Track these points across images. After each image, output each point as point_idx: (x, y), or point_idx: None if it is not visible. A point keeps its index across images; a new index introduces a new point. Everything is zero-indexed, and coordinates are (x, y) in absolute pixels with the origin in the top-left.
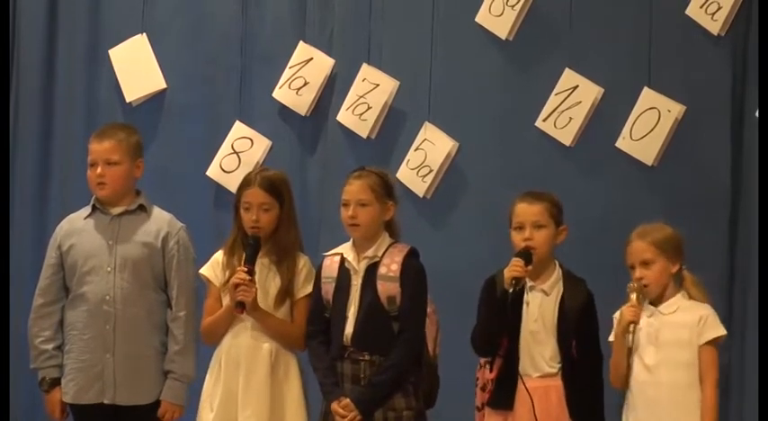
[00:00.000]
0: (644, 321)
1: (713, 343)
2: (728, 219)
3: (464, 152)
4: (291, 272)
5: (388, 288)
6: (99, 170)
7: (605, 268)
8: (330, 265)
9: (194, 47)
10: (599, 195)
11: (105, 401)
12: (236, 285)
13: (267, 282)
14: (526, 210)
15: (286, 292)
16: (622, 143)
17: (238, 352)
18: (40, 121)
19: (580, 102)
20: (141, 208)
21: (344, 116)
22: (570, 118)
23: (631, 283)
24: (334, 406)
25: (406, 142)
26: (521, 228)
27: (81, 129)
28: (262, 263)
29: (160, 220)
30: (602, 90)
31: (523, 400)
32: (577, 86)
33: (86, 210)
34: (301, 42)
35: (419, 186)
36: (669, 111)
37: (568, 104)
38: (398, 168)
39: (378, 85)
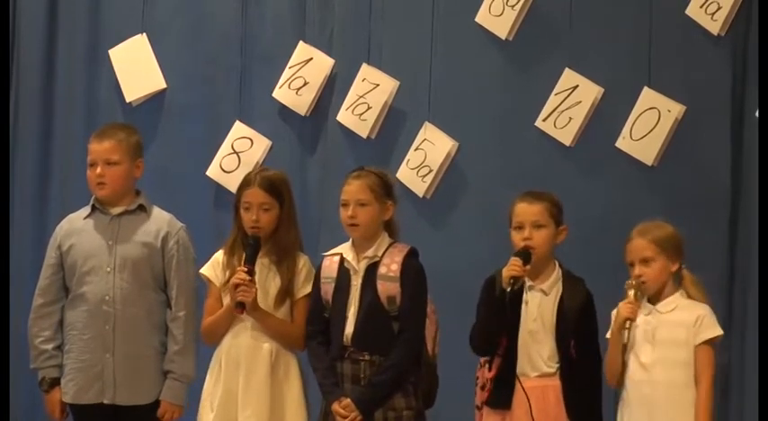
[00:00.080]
0: (641, 319)
1: (710, 343)
2: (728, 219)
3: (464, 152)
4: (291, 272)
5: (388, 288)
6: (99, 170)
7: (605, 268)
8: (329, 265)
9: (194, 47)
10: (599, 195)
11: (105, 401)
12: (236, 285)
13: (267, 281)
14: (526, 210)
15: (286, 292)
16: (622, 143)
17: (238, 352)
18: (40, 121)
19: (580, 102)
20: (141, 208)
21: (344, 116)
22: (570, 118)
23: (629, 280)
24: (335, 406)
25: (406, 142)
26: (520, 227)
27: (81, 129)
28: (262, 263)
29: (160, 220)
30: (602, 90)
31: (521, 400)
32: (577, 86)
33: (86, 210)
34: (301, 42)
35: (419, 186)
36: (669, 111)
37: (568, 104)
38: (398, 168)
39: (378, 84)
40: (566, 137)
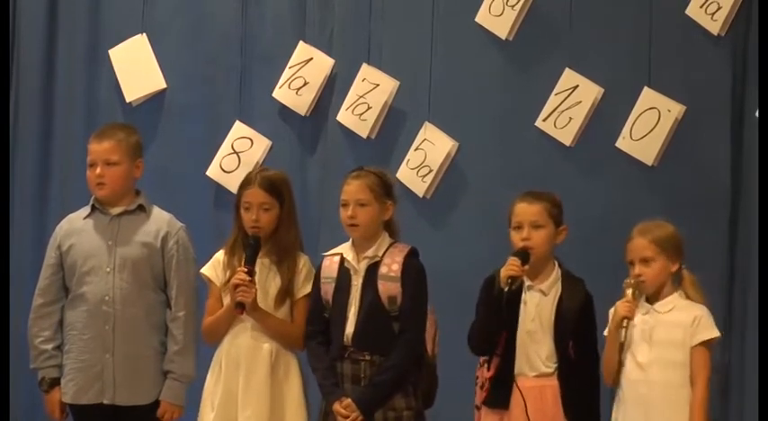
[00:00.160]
0: (639, 318)
1: (706, 344)
2: (728, 219)
3: (464, 152)
4: (291, 272)
5: (388, 288)
6: (98, 170)
7: (605, 268)
8: (330, 266)
9: (194, 47)
10: (599, 195)
11: (105, 401)
12: (236, 286)
13: (267, 281)
14: (525, 210)
15: (286, 292)
16: (622, 143)
17: (238, 352)
18: (40, 121)
19: (580, 102)
20: (141, 208)
21: (344, 116)
22: (570, 118)
23: (628, 279)
24: (336, 406)
25: (406, 142)
26: (519, 227)
27: (81, 129)
28: (262, 263)
29: (159, 220)
30: (602, 90)
31: (519, 400)
32: (577, 86)
33: (86, 210)
34: (301, 42)
35: (419, 186)
36: (669, 111)
37: (568, 104)
38: (398, 168)
39: (378, 84)
40: (566, 137)
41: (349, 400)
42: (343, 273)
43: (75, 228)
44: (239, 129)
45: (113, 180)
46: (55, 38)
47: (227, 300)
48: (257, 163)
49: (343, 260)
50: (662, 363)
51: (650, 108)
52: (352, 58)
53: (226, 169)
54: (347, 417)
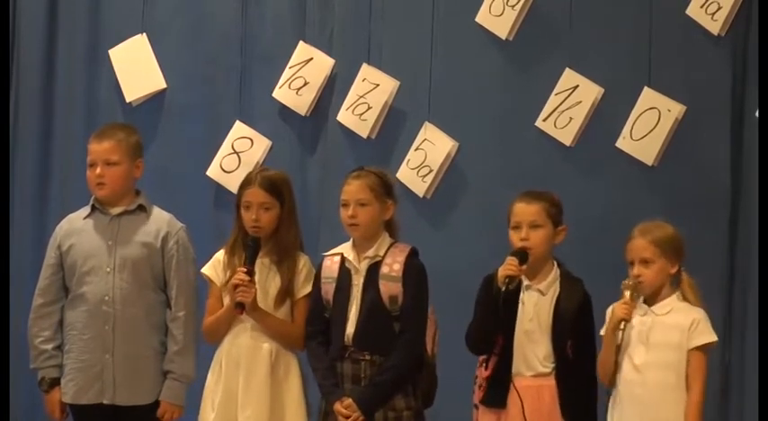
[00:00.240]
0: (637, 320)
1: (703, 348)
2: (728, 219)
3: (464, 152)
4: (291, 271)
5: (390, 288)
6: (98, 170)
7: (605, 268)
8: (330, 266)
9: (194, 47)
10: (599, 195)
11: (105, 401)
12: (236, 286)
13: (267, 281)
14: (523, 210)
15: (286, 292)
16: (622, 143)
17: (238, 352)
18: (40, 121)
19: (580, 102)
20: (141, 208)
21: (344, 116)
22: (570, 118)
23: (627, 281)
24: (337, 406)
25: (406, 142)
26: (518, 227)
27: (81, 129)
28: (262, 262)
29: (159, 220)
30: (602, 90)
31: (516, 399)
32: (577, 86)
33: (86, 210)
34: (301, 42)
35: (419, 186)
36: (669, 111)
37: (568, 104)
38: (398, 168)
39: (378, 85)
40: (566, 137)
41: (350, 400)
42: (344, 272)
43: (76, 228)
44: (239, 129)
45: (113, 180)
46: (55, 38)
47: (227, 300)
48: (257, 163)
49: (343, 260)
50: (658, 365)
51: (650, 108)
52: (352, 58)
53: (226, 169)
54: (348, 418)
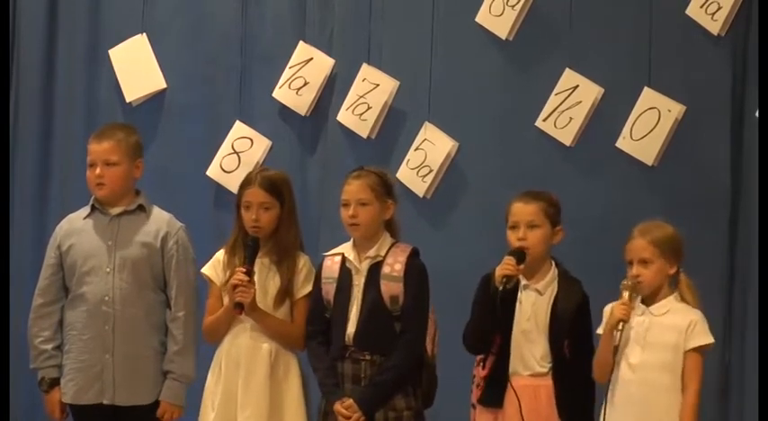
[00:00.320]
0: (634, 320)
1: (699, 350)
2: (728, 219)
3: (464, 152)
4: (291, 271)
5: (391, 288)
6: (98, 171)
7: (605, 268)
8: (331, 266)
9: (194, 47)
10: (599, 195)
11: (105, 402)
12: (235, 286)
13: (267, 281)
14: (521, 210)
15: (285, 292)
16: (622, 143)
17: (238, 352)
18: (40, 121)
19: (580, 102)
20: (140, 208)
21: (344, 116)
22: (570, 118)
23: (625, 281)
24: (338, 406)
25: (406, 142)
26: (515, 227)
27: (81, 129)
28: (262, 262)
29: (159, 220)
30: (602, 90)
31: (513, 399)
32: (577, 86)
33: (86, 210)
34: (301, 42)
35: (419, 186)
36: (669, 111)
37: (568, 104)
38: (398, 168)
39: (378, 85)
40: (566, 137)
41: (351, 401)
42: (345, 273)
43: (75, 228)
44: (239, 129)
45: (113, 180)
46: (55, 38)
47: (227, 300)
48: (257, 163)
49: (344, 260)
50: (654, 366)
51: (650, 108)
52: (352, 58)
53: (226, 169)
54: (349, 418)
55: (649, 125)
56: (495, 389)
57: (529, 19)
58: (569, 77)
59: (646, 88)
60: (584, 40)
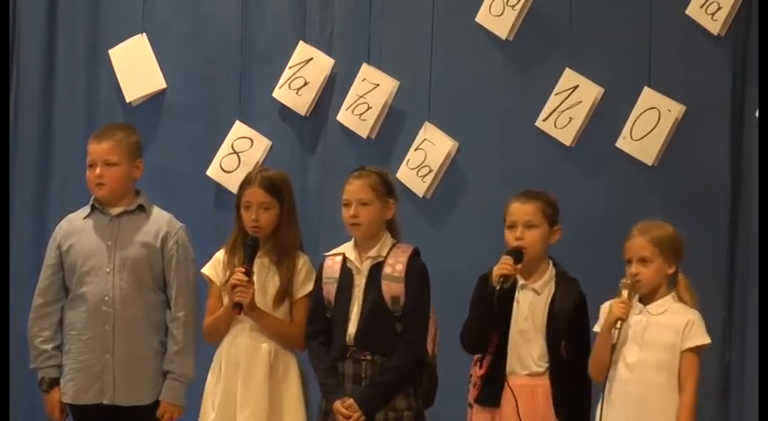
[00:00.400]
0: (632, 319)
1: (696, 350)
2: (728, 219)
3: (464, 152)
4: (291, 271)
5: (392, 288)
6: (98, 171)
7: (605, 268)
8: (332, 266)
9: (194, 47)
10: (599, 195)
11: (105, 402)
12: (234, 286)
13: (266, 281)
14: (519, 210)
15: (285, 292)
16: (622, 143)
17: (237, 352)
18: (40, 121)
19: (580, 102)
20: (140, 208)
21: (344, 116)
22: (570, 118)
23: (624, 280)
24: (338, 405)
25: (406, 142)
26: (513, 227)
27: (81, 129)
28: (261, 262)
29: (159, 220)
30: (602, 90)
31: (510, 398)
32: (577, 86)
33: (86, 210)
34: (301, 42)
35: (419, 186)
36: (669, 111)
37: (568, 104)
38: (398, 168)
39: (378, 85)
40: (566, 137)
41: (351, 400)
42: (346, 273)
43: (75, 229)
44: (239, 129)
45: (113, 180)
46: (55, 38)
47: (227, 300)
48: (257, 163)
49: (345, 260)
50: (650, 365)
51: (650, 108)
52: (352, 58)
53: (226, 169)
54: (348, 417)
55: (649, 125)
56: (493, 388)
57: (529, 19)
58: (569, 77)
59: (646, 88)
60: (585, 40)
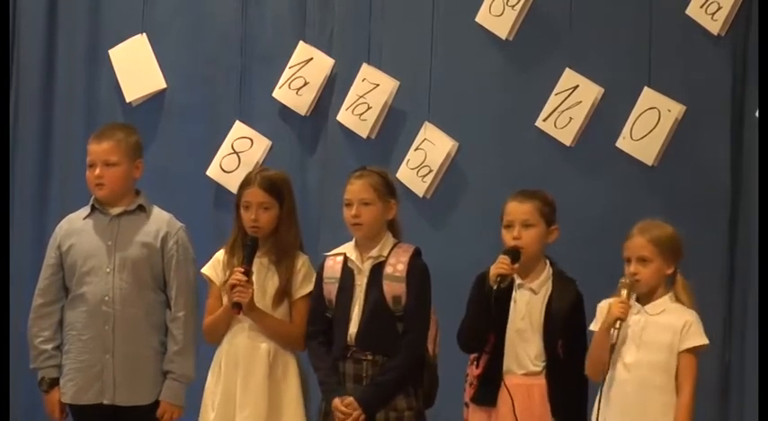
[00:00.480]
0: (630, 319)
1: (694, 351)
2: (728, 219)
3: (464, 152)
4: (290, 271)
5: (393, 288)
6: (97, 171)
7: (605, 268)
8: (333, 266)
9: (194, 47)
10: (599, 195)
11: (105, 402)
12: (233, 286)
13: (265, 281)
14: (516, 209)
15: (284, 292)
16: (622, 143)
17: (236, 352)
18: (40, 121)
19: (580, 102)
20: (140, 208)
21: (344, 116)
22: (570, 118)
23: (623, 279)
24: (337, 402)
25: (406, 142)
26: (510, 226)
27: (81, 129)
28: (261, 262)
29: (159, 220)
30: (602, 90)
31: (507, 398)
32: (577, 86)
33: (86, 210)
34: (301, 42)
35: (419, 186)
36: (669, 111)
37: (568, 104)
38: (398, 168)
39: (378, 85)
40: (566, 137)
41: (351, 399)
42: (347, 273)
43: (75, 229)
44: (239, 129)
45: (112, 181)
46: (55, 38)
47: (226, 300)
48: (257, 163)
49: (346, 260)
50: (648, 365)
51: (650, 108)
52: (352, 58)
53: (226, 169)
54: (348, 415)
55: (649, 125)
56: (489, 387)
57: (529, 19)
58: (569, 77)
59: (646, 88)
60: (585, 40)
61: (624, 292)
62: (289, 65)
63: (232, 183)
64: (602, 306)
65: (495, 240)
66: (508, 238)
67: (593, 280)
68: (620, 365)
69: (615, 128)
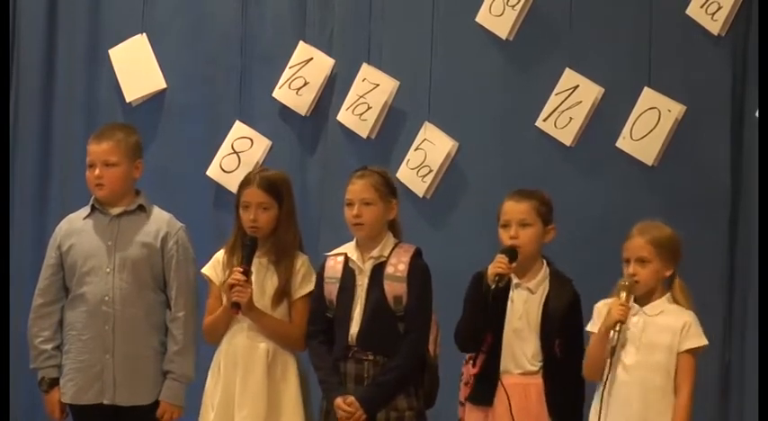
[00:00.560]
0: (629, 320)
1: (693, 352)
2: (728, 219)
3: (464, 152)
4: (289, 272)
5: (395, 288)
6: (97, 171)
7: (604, 268)
8: (333, 266)
9: (194, 47)
10: (599, 195)
11: (105, 402)
12: (232, 286)
13: (265, 281)
14: (513, 208)
15: (283, 292)
16: (622, 143)
17: (235, 352)
18: (40, 121)
19: (580, 102)
20: (140, 208)
21: (344, 116)
22: (570, 118)
23: (622, 281)
24: (339, 401)
25: (406, 142)
26: (507, 225)
27: (81, 129)
28: (260, 262)
29: (159, 220)
30: (603, 90)
31: (503, 397)
32: (577, 86)
33: (86, 210)
34: (301, 42)
35: (419, 186)
36: (669, 111)
37: (568, 104)
38: (398, 168)
39: (378, 84)
40: (566, 137)
41: (353, 398)
42: (348, 273)
43: (75, 229)
44: (239, 129)
45: (112, 181)
46: (55, 38)
47: (226, 300)
48: (257, 163)
49: (347, 260)
50: (647, 366)
51: (650, 108)
52: (352, 58)
53: (226, 169)
54: (351, 415)
55: (649, 125)
56: (486, 387)
57: (529, 19)
58: (569, 77)
59: (646, 88)
60: (585, 40)
61: (624, 295)
62: (289, 65)
63: (232, 183)
64: (600, 307)
65: (495, 240)
66: (505, 238)
67: (593, 280)
68: (619, 367)
69: (615, 128)
